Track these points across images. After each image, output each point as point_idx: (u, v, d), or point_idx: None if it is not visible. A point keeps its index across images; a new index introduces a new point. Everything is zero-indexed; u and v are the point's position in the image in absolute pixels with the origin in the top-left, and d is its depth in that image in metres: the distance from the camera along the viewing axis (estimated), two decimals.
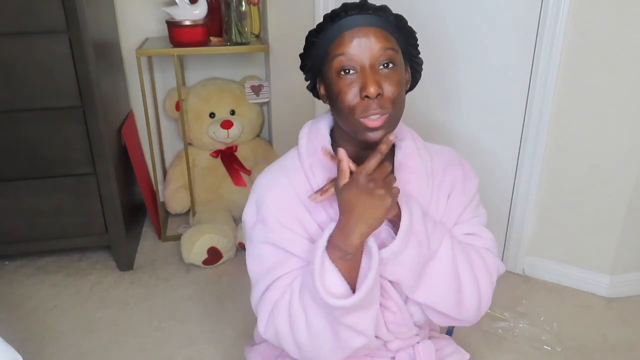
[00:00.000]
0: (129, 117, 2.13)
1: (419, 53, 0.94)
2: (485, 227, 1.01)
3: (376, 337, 0.94)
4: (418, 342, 1.01)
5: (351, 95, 0.84)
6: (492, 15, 1.66)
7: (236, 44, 1.94)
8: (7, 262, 1.96)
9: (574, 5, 1.54)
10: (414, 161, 0.95)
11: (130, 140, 2.03)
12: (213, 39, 2.02)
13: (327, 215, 0.91)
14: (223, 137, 2.15)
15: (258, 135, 2.35)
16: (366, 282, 0.80)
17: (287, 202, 0.92)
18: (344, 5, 0.86)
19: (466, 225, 0.98)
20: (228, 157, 2.21)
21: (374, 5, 0.86)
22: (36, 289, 1.82)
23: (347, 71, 0.84)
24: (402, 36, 0.89)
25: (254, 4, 1.99)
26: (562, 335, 1.61)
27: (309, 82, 0.97)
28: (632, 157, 1.63)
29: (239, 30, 1.92)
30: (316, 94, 0.97)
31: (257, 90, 2.20)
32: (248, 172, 2.21)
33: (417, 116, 1.87)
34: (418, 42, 0.92)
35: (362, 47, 0.83)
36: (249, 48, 1.96)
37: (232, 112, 2.19)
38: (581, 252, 1.80)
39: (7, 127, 1.66)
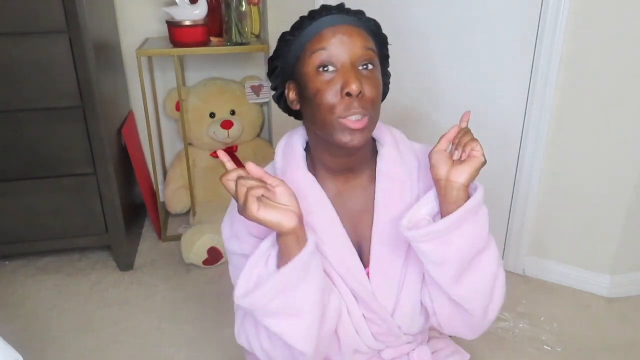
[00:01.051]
0: (129, 117, 2.13)
1: (388, 65, 0.91)
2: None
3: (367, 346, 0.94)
4: (413, 349, 0.98)
5: (331, 94, 0.78)
6: (492, 14, 1.66)
7: (236, 44, 1.94)
8: (7, 262, 1.96)
9: (574, 5, 1.54)
10: (396, 170, 0.90)
11: (130, 140, 2.03)
12: (213, 39, 2.02)
13: None
14: (223, 137, 2.15)
15: (258, 135, 2.35)
16: (270, 281, 0.74)
17: None
18: (323, 5, 0.84)
19: None
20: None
21: (352, 9, 0.85)
22: (36, 289, 1.82)
23: (326, 68, 0.80)
24: (378, 43, 0.86)
25: (254, 4, 1.99)
26: (562, 335, 1.61)
27: (274, 91, 0.91)
28: (632, 157, 1.62)
29: (239, 30, 1.92)
30: (282, 105, 0.92)
31: (257, 90, 2.20)
32: None
33: (416, 116, 1.87)
34: (389, 54, 0.90)
35: (344, 44, 0.79)
36: (249, 48, 1.96)
37: (232, 112, 2.19)
38: (581, 252, 1.79)
39: (7, 127, 1.66)
